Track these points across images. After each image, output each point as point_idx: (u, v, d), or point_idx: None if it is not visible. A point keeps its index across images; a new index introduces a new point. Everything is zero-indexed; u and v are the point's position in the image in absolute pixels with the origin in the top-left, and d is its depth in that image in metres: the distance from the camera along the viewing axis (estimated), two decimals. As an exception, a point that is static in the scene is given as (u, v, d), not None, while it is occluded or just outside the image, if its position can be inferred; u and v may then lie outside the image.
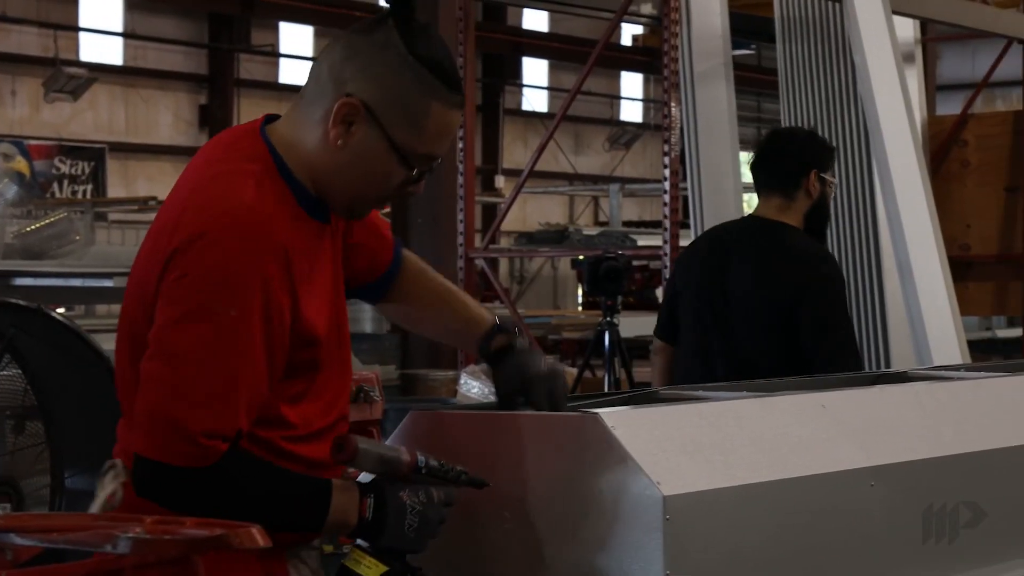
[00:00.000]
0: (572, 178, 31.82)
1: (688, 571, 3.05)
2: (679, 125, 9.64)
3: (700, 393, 3.80)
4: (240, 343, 2.89)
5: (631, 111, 36.94)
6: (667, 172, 9.40)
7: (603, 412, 3.15)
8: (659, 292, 20.00)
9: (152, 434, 2.86)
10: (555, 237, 16.01)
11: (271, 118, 3.15)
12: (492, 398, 3.54)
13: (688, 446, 3.21)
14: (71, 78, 25.40)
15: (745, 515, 3.20)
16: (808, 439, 3.46)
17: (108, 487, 3.00)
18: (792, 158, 5.79)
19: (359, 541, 3.05)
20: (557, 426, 3.19)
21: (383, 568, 3.02)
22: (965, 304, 10.38)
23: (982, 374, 4.40)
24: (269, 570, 3.02)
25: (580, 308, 23.96)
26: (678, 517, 3.03)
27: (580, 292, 24.85)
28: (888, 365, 9.84)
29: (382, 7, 3.06)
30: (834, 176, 5.89)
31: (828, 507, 3.38)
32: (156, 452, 2.86)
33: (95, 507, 2.98)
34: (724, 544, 3.15)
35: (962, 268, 10.74)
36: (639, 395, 3.87)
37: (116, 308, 17.51)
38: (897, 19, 10.46)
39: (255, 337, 2.91)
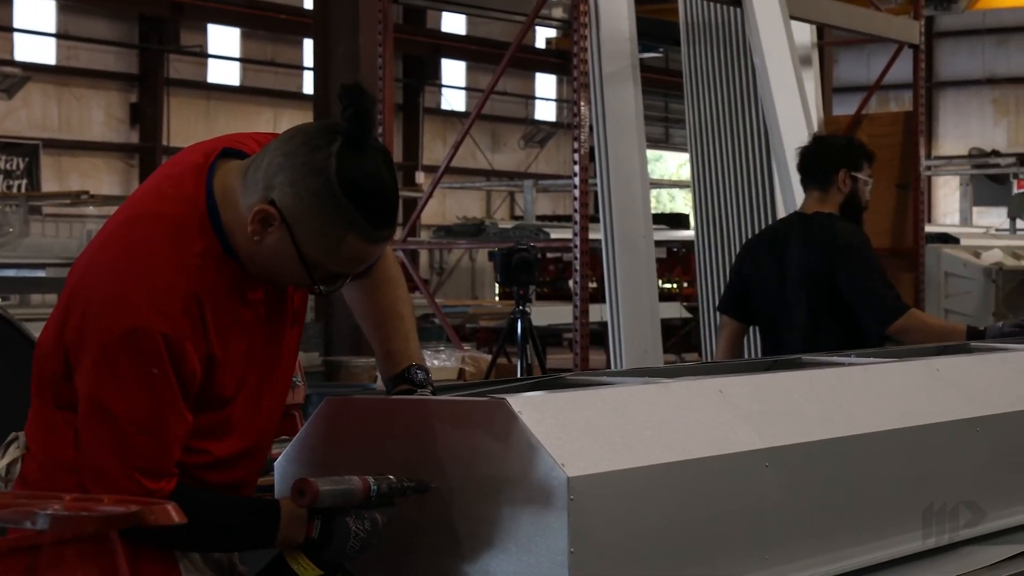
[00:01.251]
0: (489, 174, 31.81)
1: (591, 549, 3.06)
2: (589, 123, 9.64)
3: (604, 379, 3.81)
4: (166, 395, 2.90)
5: (545, 111, 36.97)
6: (577, 168, 9.40)
7: (510, 397, 3.15)
8: (570, 283, 20.07)
9: (107, 492, 2.84)
10: (472, 230, 16.00)
11: (229, 152, 3.10)
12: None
13: (591, 430, 3.21)
14: (5, 77, 25.22)
15: (645, 495, 3.21)
16: (706, 423, 3.47)
17: (9, 456, 3.07)
18: (826, 159, 6.65)
19: None
20: (466, 411, 3.19)
21: (320, 572, 3.07)
22: (859, 294, 10.42)
23: (870, 360, 4.42)
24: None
25: (497, 298, 23.98)
26: (581, 497, 3.03)
27: (496, 283, 24.84)
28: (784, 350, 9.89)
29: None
30: (868, 174, 6.65)
31: (725, 488, 3.39)
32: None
33: None
34: (625, 523, 3.16)
35: (856, 260, 10.75)
36: (547, 381, 3.87)
37: (50, 298, 17.37)
38: (795, 24, 10.55)
39: (175, 390, 2.92)
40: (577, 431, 3.17)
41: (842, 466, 3.73)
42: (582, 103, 9.47)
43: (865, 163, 6.63)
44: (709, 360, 7.31)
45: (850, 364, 4.29)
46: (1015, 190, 29.08)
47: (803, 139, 9.60)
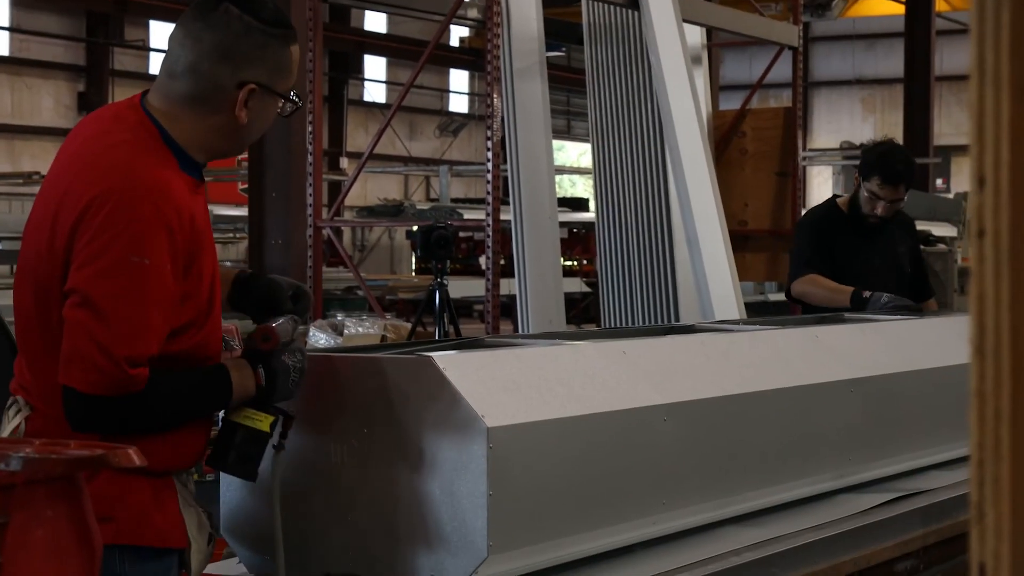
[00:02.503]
0: (407, 160, 31.70)
1: (507, 492, 3.08)
2: (500, 115, 9.63)
3: (519, 340, 3.82)
4: (153, 288, 2.85)
5: (458, 103, 36.93)
6: (490, 155, 9.40)
7: (436, 355, 3.16)
8: (482, 260, 20.06)
9: (87, 371, 2.82)
10: (392, 211, 15.95)
11: (146, 93, 3.10)
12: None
13: (509, 385, 3.23)
14: (-38, 67, 24.85)
15: (557, 445, 3.23)
16: (611, 380, 3.49)
17: (13, 421, 2.98)
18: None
19: None
20: (396, 367, 3.19)
21: (271, 418, 3.09)
22: (742, 271, 10.55)
23: (756, 327, 4.47)
24: (157, 488, 2.98)
25: (413, 273, 23.95)
26: (499, 446, 3.05)
27: (413, 259, 24.82)
28: (678, 320, 9.96)
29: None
30: (873, 183, 6.35)
31: (628, 439, 3.43)
32: (92, 387, 2.82)
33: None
34: (538, 469, 3.18)
35: (740, 241, 10.89)
36: (466, 342, 3.88)
37: (3, 268, 17.12)
38: (687, 26, 10.57)
39: (165, 280, 2.87)
40: (496, 386, 3.19)
41: (732, 421, 3.78)
42: (495, 96, 9.47)
43: (870, 173, 6.39)
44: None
45: (739, 331, 4.33)
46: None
47: (694, 131, 9.67)
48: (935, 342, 4.87)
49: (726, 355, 3.97)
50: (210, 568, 3.48)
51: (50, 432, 2.88)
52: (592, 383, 3.44)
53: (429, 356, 3.14)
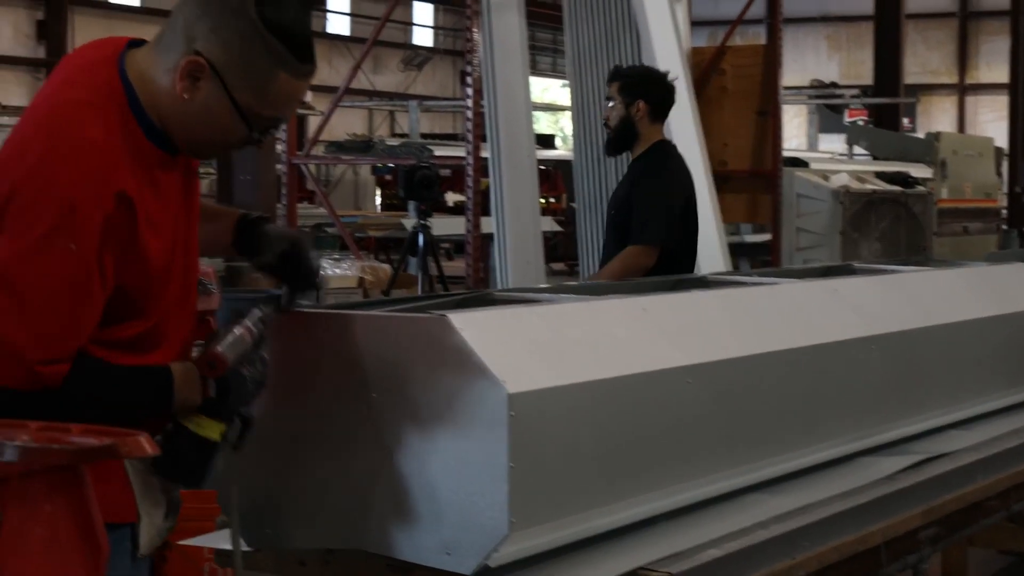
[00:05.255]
0: (371, 94, 31.30)
1: (529, 463, 2.84)
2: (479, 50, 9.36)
3: (533, 296, 3.57)
4: (80, 277, 2.58)
5: (423, 36, 36.52)
6: (469, 91, 9.13)
7: (452, 315, 2.91)
8: (448, 196, 19.78)
9: (5, 369, 2.54)
10: (361, 147, 15.59)
11: (134, 43, 2.80)
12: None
13: (528, 347, 2.99)
14: (-81, -7, 24.33)
15: (580, 411, 3.00)
16: (633, 340, 3.26)
17: None
18: None
19: None
20: (408, 327, 2.94)
21: (222, 427, 2.78)
22: (723, 213, 10.30)
23: (773, 280, 4.24)
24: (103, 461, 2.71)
25: (379, 209, 23.63)
26: (521, 413, 2.81)
27: (378, 195, 24.51)
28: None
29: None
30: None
31: (652, 402, 3.20)
32: (10, 381, 2.54)
33: None
34: (560, 437, 2.95)
35: (720, 181, 10.62)
36: (474, 297, 3.63)
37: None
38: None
39: (93, 271, 2.59)
40: (516, 348, 2.95)
41: (755, 381, 3.56)
42: (474, 30, 9.18)
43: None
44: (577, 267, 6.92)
45: (756, 284, 4.10)
46: (846, 119, 29.26)
47: (676, 67, 9.41)
48: (952, 294, 4.66)
49: (747, 311, 3.74)
50: (201, 540, 3.25)
51: None
52: (614, 343, 3.20)
53: (444, 315, 2.89)
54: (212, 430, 2.76)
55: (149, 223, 2.69)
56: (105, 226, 2.59)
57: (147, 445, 1.80)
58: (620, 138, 6.26)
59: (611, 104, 6.23)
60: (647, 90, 6.22)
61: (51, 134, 2.63)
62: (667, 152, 6.35)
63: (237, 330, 2.82)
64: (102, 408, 2.58)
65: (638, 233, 5.99)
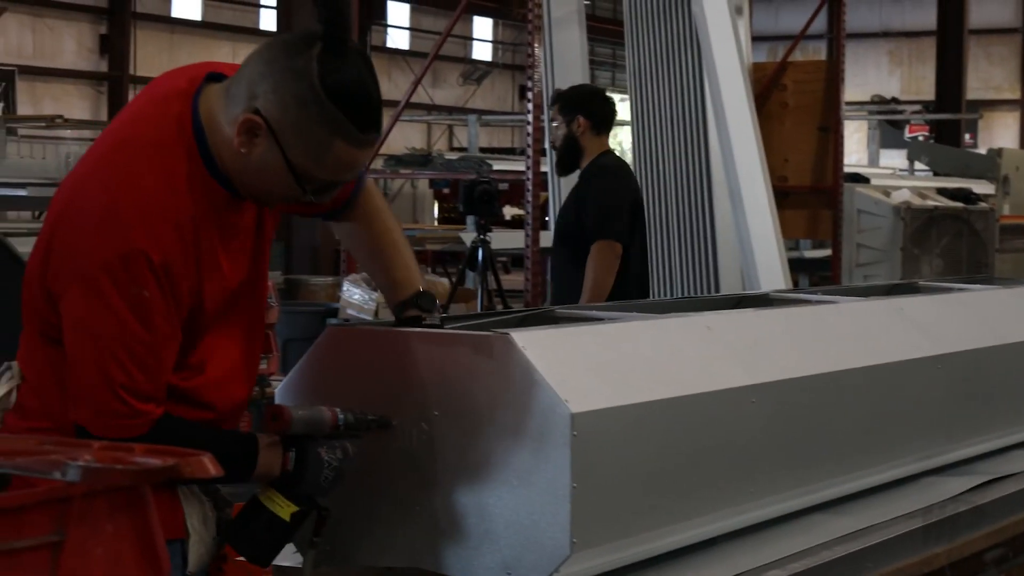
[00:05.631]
0: (430, 108, 31.37)
1: (591, 483, 2.81)
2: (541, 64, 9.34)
3: (594, 313, 3.54)
4: (155, 318, 2.61)
5: (481, 51, 36.59)
6: (530, 105, 9.10)
7: (513, 332, 2.88)
8: (507, 209, 19.77)
9: (95, 413, 2.60)
10: (420, 160, 15.61)
11: (213, 76, 2.78)
12: (371, 304, 3.24)
13: (591, 365, 2.96)
14: (-17, 7, 24.54)
15: (642, 431, 2.96)
16: (697, 358, 3.23)
17: (3, 386, 2.78)
18: None
19: None
20: (470, 344, 2.91)
21: (294, 508, 2.80)
22: (782, 228, 10.23)
23: (838, 298, 4.20)
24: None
25: (436, 222, 23.64)
26: (584, 432, 2.78)
27: (436, 208, 24.50)
28: (717, 281, 9.69)
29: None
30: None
31: (715, 423, 3.16)
32: (101, 430, 2.60)
33: None
34: (623, 458, 2.91)
35: (780, 197, 10.57)
36: (536, 315, 3.60)
37: (26, 215, 16.90)
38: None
39: (164, 310, 2.62)
40: (578, 367, 2.92)
41: (819, 402, 3.52)
42: (536, 45, 9.16)
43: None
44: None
45: (820, 302, 4.05)
46: (907, 134, 29.07)
47: (739, 83, 9.36)
48: (1019, 313, 4.60)
49: (811, 330, 3.70)
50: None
51: (33, 408, 2.73)
52: (677, 362, 3.17)
53: (507, 333, 2.86)
54: (284, 509, 2.78)
55: (213, 262, 2.71)
56: (165, 270, 2.60)
57: (210, 466, 1.78)
58: (566, 155, 6.55)
59: (555, 125, 6.55)
60: (585, 106, 6.51)
61: (109, 177, 2.65)
62: (611, 159, 6.58)
63: (321, 408, 2.83)
64: None
65: (599, 230, 6.23)
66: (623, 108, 9.19)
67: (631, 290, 6.21)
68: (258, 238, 2.88)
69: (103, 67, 28.99)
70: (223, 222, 2.74)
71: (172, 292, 2.63)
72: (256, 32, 30.41)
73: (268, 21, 29.43)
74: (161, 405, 2.66)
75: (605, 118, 6.53)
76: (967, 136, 29.19)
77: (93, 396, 2.61)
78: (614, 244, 6.20)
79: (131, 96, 28.64)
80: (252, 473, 2.77)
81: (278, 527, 2.79)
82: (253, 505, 2.81)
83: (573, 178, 6.79)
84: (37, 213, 17.23)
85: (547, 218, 10.61)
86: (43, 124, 19.98)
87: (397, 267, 3.14)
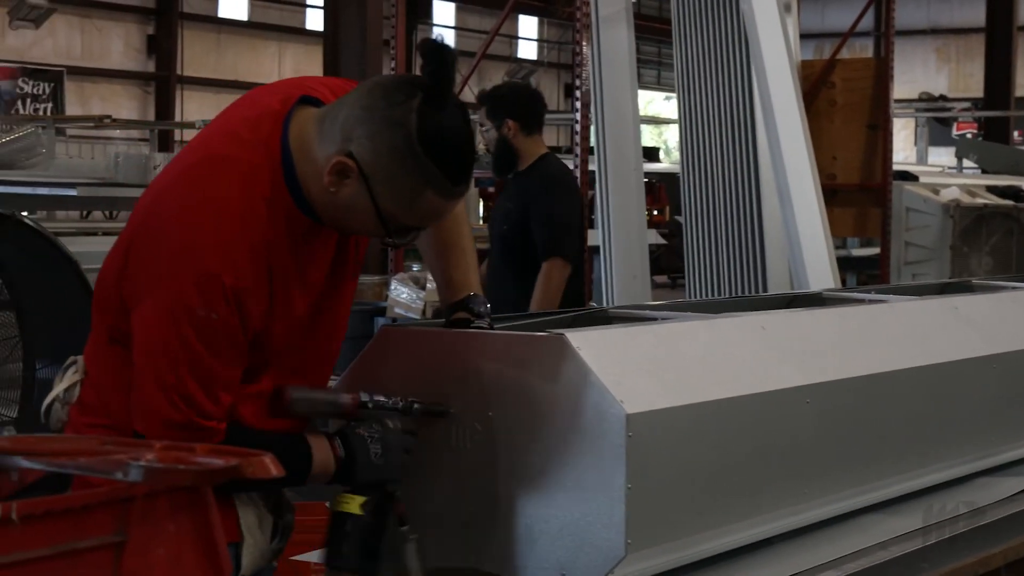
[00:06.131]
0: (476, 107, 31.42)
1: (646, 484, 2.80)
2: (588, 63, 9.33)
3: (647, 313, 3.53)
4: (223, 342, 2.62)
5: (527, 50, 36.59)
6: (578, 104, 9.09)
7: (568, 333, 2.88)
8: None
9: (163, 428, 2.60)
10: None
11: (306, 99, 2.77)
12: (419, 303, 3.24)
13: (646, 366, 2.95)
14: (33, 8, 24.60)
15: (697, 432, 2.96)
16: (751, 359, 3.21)
17: (65, 381, 2.81)
18: None
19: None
20: (524, 345, 2.91)
21: (361, 499, 2.81)
22: (831, 226, 10.20)
23: (891, 297, 4.17)
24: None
25: (482, 221, 23.66)
26: (639, 434, 2.77)
27: (481, 207, 24.52)
28: (765, 280, 9.65)
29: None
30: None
31: (770, 424, 3.15)
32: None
33: (50, 396, 2.80)
34: (678, 459, 2.91)
35: (829, 195, 10.52)
36: (589, 315, 3.60)
37: (73, 214, 17.00)
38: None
39: (232, 334, 2.62)
40: (633, 367, 2.91)
41: (874, 402, 3.50)
42: (584, 44, 9.15)
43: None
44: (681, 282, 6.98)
45: (874, 302, 4.03)
46: (955, 132, 28.92)
47: (787, 81, 9.32)
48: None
49: (865, 330, 3.68)
50: (311, 555, 3.24)
51: (93, 405, 2.74)
52: (731, 363, 3.15)
53: (561, 334, 2.86)
54: (352, 503, 2.80)
55: (286, 291, 2.71)
56: (237, 295, 2.60)
57: (272, 466, 1.79)
58: (501, 158, 6.43)
59: (485, 129, 6.39)
60: (511, 108, 6.35)
61: (189, 194, 2.65)
62: (555, 166, 6.50)
63: (339, 393, 2.86)
64: None
65: (552, 248, 6.14)
66: (670, 106, 9.14)
67: (567, 304, 6.09)
68: (341, 265, 2.88)
69: (150, 67, 29.15)
70: (301, 251, 2.74)
71: (242, 317, 2.63)
72: (303, 32, 30.51)
73: (315, 21, 29.48)
74: (223, 422, 2.66)
75: (534, 117, 6.38)
76: (1016, 133, 28.99)
77: (155, 409, 2.62)
78: (566, 264, 6.15)
79: (178, 96, 28.85)
80: (311, 471, 2.77)
81: (354, 525, 2.80)
82: (330, 519, 2.83)
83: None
84: (86, 213, 17.35)
85: (593, 216, 10.60)
86: (91, 124, 20.14)
87: (457, 268, 3.14)
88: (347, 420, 2.85)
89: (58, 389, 2.81)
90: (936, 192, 13.09)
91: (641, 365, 2.93)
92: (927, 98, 29.46)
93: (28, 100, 25.96)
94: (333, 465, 2.79)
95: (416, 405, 2.89)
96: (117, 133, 22.48)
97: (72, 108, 26.52)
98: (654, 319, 3.39)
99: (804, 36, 29.54)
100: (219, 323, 2.59)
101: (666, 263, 20.38)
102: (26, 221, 6.87)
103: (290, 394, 2.78)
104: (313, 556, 3.25)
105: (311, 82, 2.84)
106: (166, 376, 2.60)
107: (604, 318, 3.53)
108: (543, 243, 6.13)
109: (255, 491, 2.84)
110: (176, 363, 2.59)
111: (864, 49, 28.74)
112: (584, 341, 2.86)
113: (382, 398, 2.86)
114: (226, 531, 2.71)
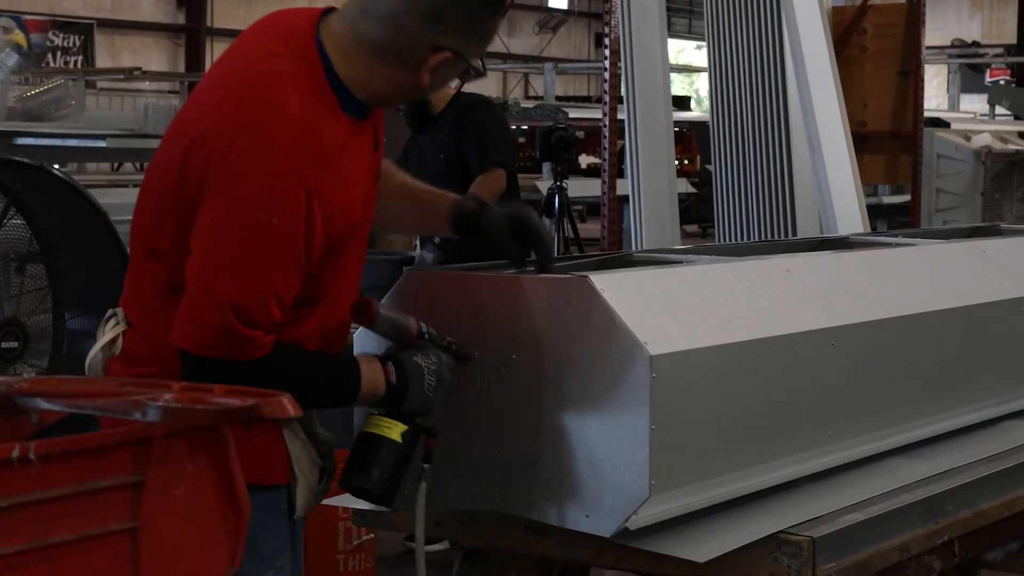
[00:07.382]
0: (505, 57, 31.29)
1: (670, 426, 2.80)
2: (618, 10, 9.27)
3: (672, 256, 3.52)
4: (277, 248, 2.59)
5: (557, -1, 36.45)
6: (607, 52, 9.04)
7: (592, 275, 2.87)
8: (583, 158, 19.75)
9: (202, 334, 2.57)
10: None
11: (328, 10, 2.81)
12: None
13: (670, 308, 2.94)
14: (64, -40, 24.71)
15: (721, 373, 2.95)
16: (776, 301, 3.20)
17: (109, 334, 2.77)
18: None
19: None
20: (548, 288, 2.90)
21: (403, 427, 2.76)
22: (861, 174, 10.13)
23: (918, 240, 4.15)
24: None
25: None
26: (663, 375, 2.77)
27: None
28: (795, 227, 9.61)
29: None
30: None
31: (794, 366, 3.14)
32: (208, 350, 2.58)
33: (94, 350, 2.77)
34: (703, 400, 2.90)
35: (859, 142, 10.47)
36: (615, 258, 3.59)
37: (104, 166, 17.02)
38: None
39: (297, 242, 2.61)
40: (657, 309, 2.90)
41: (900, 345, 3.48)
42: (612, -9, 9.09)
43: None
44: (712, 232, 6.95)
45: (901, 245, 4.01)
46: (987, 79, 28.70)
47: (818, 27, 9.26)
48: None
49: (892, 273, 3.65)
50: (338, 500, 3.23)
51: (142, 354, 2.71)
52: (756, 305, 3.14)
53: (585, 276, 2.85)
54: (392, 430, 2.75)
55: (339, 189, 2.70)
56: (306, 198, 2.60)
57: (290, 406, 1.78)
58: (413, 110, 6.61)
59: None
60: None
61: (252, 106, 2.64)
62: (468, 95, 6.68)
63: (407, 315, 2.82)
64: (295, 387, 2.39)
65: (496, 157, 6.30)
66: (701, 55, 9.09)
67: None
68: (371, 168, 2.88)
69: (180, 19, 29.13)
70: (347, 148, 2.74)
71: (308, 221, 2.62)
72: (333, -18, 30.41)
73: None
74: (271, 334, 2.62)
75: None
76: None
77: (198, 313, 2.58)
78: (505, 173, 6.29)
79: (208, 48, 28.83)
80: (359, 392, 2.75)
81: (391, 451, 2.75)
82: (360, 439, 2.77)
83: None
84: (116, 165, 17.37)
85: (623, 166, 10.57)
86: (121, 76, 20.12)
87: (426, 192, 3.19)
88: (404, 346, 2.83)
89: (102, 342, 2.78)
90: (967, 139, 13.01)
91: (665, 307, 2.92)
92: (959, 44, 29.22)
93: (58, 53, 25.99)
94: (383, 388, 2.77)
95: (453, 345, 2.89)
96: (147, 85, 22.45)
97: (102, 61, 26.55)
98: (679, 262, 3.38)
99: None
100: (280, 228, 2.57)
101: (696, 212, 20.29)
102: (56, 173, 6.88)
103: (377, 308, 2.77)
104: (340, 501, 3.26)
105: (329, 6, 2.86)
106: (212, 276, 2.57)
107: (629, 261, 3.51)
108: (479, 154, 6.34)
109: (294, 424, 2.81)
110: (227, 263, 2.58)
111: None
112: (608, 283, 2.85)
113: (433, 331, 2.86)
114: (279, 474, 2.74)
